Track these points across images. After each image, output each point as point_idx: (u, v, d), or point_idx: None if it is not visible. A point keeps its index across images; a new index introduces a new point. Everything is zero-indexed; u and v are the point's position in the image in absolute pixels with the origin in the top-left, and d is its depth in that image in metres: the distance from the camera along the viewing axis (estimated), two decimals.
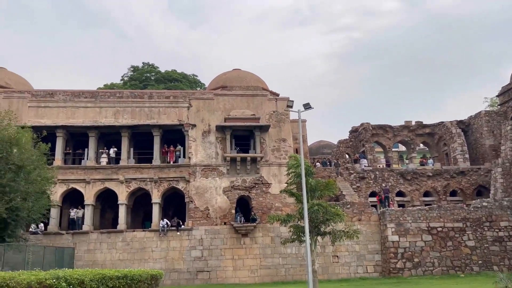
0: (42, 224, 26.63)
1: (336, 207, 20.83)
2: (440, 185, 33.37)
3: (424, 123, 38.06)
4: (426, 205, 31.29)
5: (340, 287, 21.83)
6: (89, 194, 27.98)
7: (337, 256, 27.36)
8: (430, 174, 33.49)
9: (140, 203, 30.26)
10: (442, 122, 37.78)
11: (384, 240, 27.10)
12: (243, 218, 27.93)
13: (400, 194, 33.37)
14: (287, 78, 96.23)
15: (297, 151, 32.09)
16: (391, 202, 31.50)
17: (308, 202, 18.70)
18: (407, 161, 39.71)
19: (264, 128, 29.31)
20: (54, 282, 8.60)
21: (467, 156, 35.04)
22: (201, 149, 29.09)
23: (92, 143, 29.07)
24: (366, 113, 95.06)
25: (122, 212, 28.10)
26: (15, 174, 20.28)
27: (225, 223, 27.75)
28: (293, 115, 31.42)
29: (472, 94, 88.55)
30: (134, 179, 28.39)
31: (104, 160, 28.97)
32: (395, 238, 26.62)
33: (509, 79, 36.92)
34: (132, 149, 29.67)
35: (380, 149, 41.08)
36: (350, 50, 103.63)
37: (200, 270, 26.66)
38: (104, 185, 28.26)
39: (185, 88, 45.37)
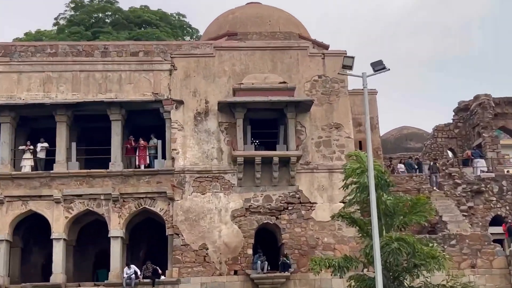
0: None
1: (431, 244, 20.83)
2: None
3: None
4: None
5: None
6: (2, 222, 27.79)
7: None
8: None
9: (88, 237, 30.26)
10: None
11: None
12: (266, 263, 27.42)
13: None
14: (342, 21, 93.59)
15: (361, 145, 32.18)
16: None
17: (381, 235, 18.92)
18: None
19: (303, 106, 28.80)
20: None
21: None
22: (193, 143, 28.87)
23: (6, 134, 28.93)
24: (483, 79, 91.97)
25: (58, 253, 27.71)
26: None
27: (235, 272, 27.47)
28: (353, 84, 31.17)
29: None
30: (79, 196, 28.21)
31: (27, 164, 28.86)
32: None
33: None
34: (74, 145, 29.32)
35: (510, 141, 40.53)
36: None
37: None
38: (27, 207, 28.03)
39: (164, 38, 45.32)
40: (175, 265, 27.37)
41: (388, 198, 20.03)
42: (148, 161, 29.55)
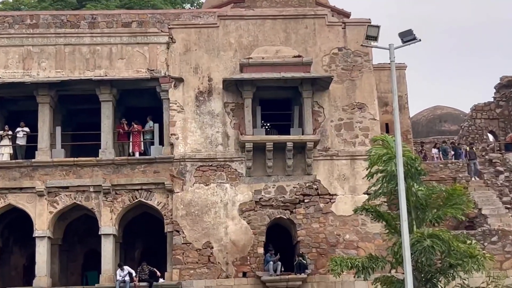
0: None
1: (469, 241, 20.13)
2: None
3: None
4: None
5: None
6: None
7: None
8: None
9: (77, 235, 30.39)
10: None
11: None
12: (280, 264, 26.73)
13: None
14: None
15: (388, 128, 31.56)
16: None
17: (411, 232, 18.59)
18: None
19: (321, 83, 28.11)
20: None
21: None
22: (195, 127, 28.33)
23: None
24: None
25: (42, 252, 27.26)
26: None
27: (244, 274, 26.97)
28: (378, 57, 31.17)
29: None
30: (65, 188, 27.70)
31: (5, 152, 28.56)
32: None
33: None
34: (59, 129, 28.71)
35: None
36: None
37: None
38: (6, 201, 27.67)
39: (160, 6, 45.36)
40: (175, 266, 26.91)
41: (420, 188, 19.49)
42: (143, 148, 29.08)
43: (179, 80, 28.27)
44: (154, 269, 26.95)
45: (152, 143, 28.54)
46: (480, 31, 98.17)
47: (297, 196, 27.37)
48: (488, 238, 27.03)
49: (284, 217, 27.35)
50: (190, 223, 27.03)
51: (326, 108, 28.33)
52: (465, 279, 19.68)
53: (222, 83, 27.89)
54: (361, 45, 26.41)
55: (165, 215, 27.42)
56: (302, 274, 26.02)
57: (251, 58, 28.14)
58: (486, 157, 33.09)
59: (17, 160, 28.00)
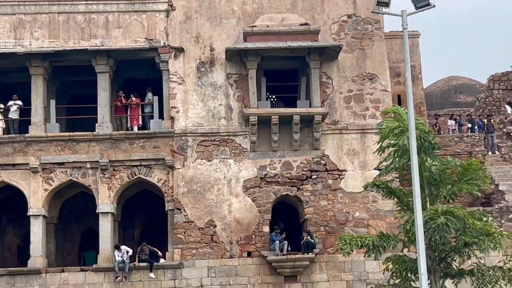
0: None
1: (485, 218, 19.59)
2: None
3: None
4: None
5: None
6: None
7: None
8: None
9: (73, 213, 30.67)
10: None
11: None
12: (286, 243, 26.78)
13: None
14: None
15: (400, 99, 31.22)
16: None
17: (424, 209, 18.20)
18: None
19: (330, 53, 27.93)
20: None
21: None
22: (196, 99, 28.27)
23: None
24: None
25: (37, 232, 27.42)
26: None
27: (249, 254, 27.07)
28: (390, 25, 31.02)
29: None
30: (61, 164, 27.79)
31: None
32: None
33: None
34: (53, 102, 28.76)
35: None
36: None
37: None
38: None
39: None
40: (176, 246, 27.01)
41: (434, 163, 19.07)
42: (142, 122, 29.13)
43: (180, 50, 28.13)
44: (155, 249, 26.91)
45: (152, 117, 28.52)
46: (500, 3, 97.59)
47: (304, 172, 27.26)
48: (506, 215, 27.00)
49: (291, 194, 27.25)
50: (192, 200, 26.99)
51: (335, 79, 28.03)
52: (481, 258, 19.42)
53: (225, 53, 27.72)
54: (372, 12, 25.53)
55: (165, 192, 27.39)
56: (310, 253, 25.92)
57: (256, 26, 27.90)
58: (504, 130, 33.01)
59: (9, 135, 27.93)
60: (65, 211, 29.70)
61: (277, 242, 26.21)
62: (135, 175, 27.52)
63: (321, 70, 27.76)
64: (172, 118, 27.94)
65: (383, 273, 21.11)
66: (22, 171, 27.34)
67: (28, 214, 27.09)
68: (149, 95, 28.92)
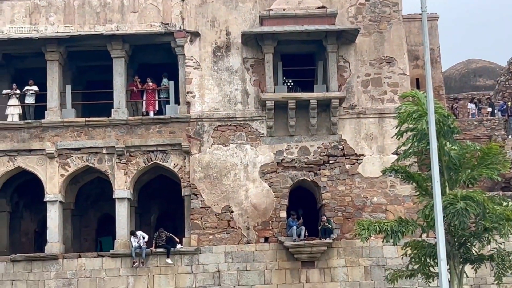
0: None
1: (505, 203, 19.52)
2: None
3: None
4: None
5: None
6: None
7: None
8: None
9: (89, 199, 30.94)
10: None
11: None
12: (303, 228, 26.75)
13: None
14: None
15: (418, 83, 31.10)
16: None
17: (444, 193, 17.86)
18: None
19: (347, 36, 27.84)
20: None
21: None
22: (212, 84, 28.27)
23: None
24: None
25: (54, 218, 27.61)
26: None
27: (266, 239, 27.14)
28: (408, 8, 31.25)
29: None
30: (77, 149, 27.99)
31: (13, 112, 28.81)
32: None
33: None
34: (69, 88, 28.79)
35: None
36: None
37: None
38: (15, 163, 28.11)
39: None
40: (193, 231, 27.14)
41: (453, 147, 18.90)
42: (158, 107, 29.23)
43: (195, 34, 28.15)
44: (171, 234, 27.16)
45: (168, 102, 28.55)
46: None
47: (322, 157, 27.19)
48: None
49: (308, 179, 27.26)
50: (208, 186, 27.10)
51: (352, 63, 27.99)
52: (501, 243, 19.17)
53: (241, 37, 27.69)
54: None
55: (182, 178, 27.47)
56: (327, 239, 25.99)
57: (272, 10, 27.82)
58: None
59: (26, 121, 28.12)
60: (81, 196, 29.96)
61: (294, 227, 26.27)
62: (151, 161, 27.63)
63: (338, 54, 27.70)
64: (188, 103, 27.95)
65: (402, 259, 21.43)
66: (38, 156, 27.49)
67: (44, 200, 27.27)
68: (165, 80, 28.96)
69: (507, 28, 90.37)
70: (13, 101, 28.53)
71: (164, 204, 30.94)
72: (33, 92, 28.73)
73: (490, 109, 34.47)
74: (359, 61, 28.08)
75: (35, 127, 27.80)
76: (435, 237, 17.37)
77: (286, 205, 27.07)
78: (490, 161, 19.19)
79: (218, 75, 28.06)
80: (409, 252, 19.88)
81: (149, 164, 27.75)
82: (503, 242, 19.23)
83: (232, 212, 26.98)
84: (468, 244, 19.08)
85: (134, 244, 26.49)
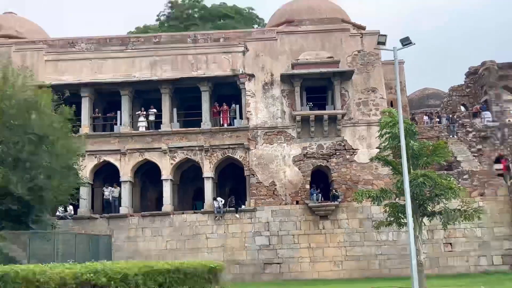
0: (71, 207, 28.30)
1: (448, 179, 20.20)
2: None
3: None
4: None
5: (457, 285, 21.22)
6: (126, 169, 29.29)
7: (451, 244, 27.25)
8: None
9: (188, 178, 31.40)
10: None
11: None
12: (320, 195, 28.19)
13: None
14: (375, 6, 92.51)
15: (392, 104, 32.18)
16: None
17: (409, 172, 18.30)
18: None
19: (346, 75, 29.04)
20: (92, 277, 9.09)
21: None
22: (262, 106, 29.48)
23: (125, 103, 30.23)
24: (489, 49, 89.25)
25: (167, 190, 29.07)
26: (36, 147, 21.31)
27: (297, 202, 28.20)
28: (385, 56, 31.03)
29: None
30: (180, 148, 29.36)
31: (142, 125, 30.04)
32: None
33: None
34: (175, 110, 30.49)
35: (511, 96, 38.74)
36: None
37: (268, 262, 27.44)
38: (143, 157, 29.43)
39: (239, 27, 45.14)
40: (252, 197, 28.45)
41: (415, 144, 19.33)
42: (229, 121, 30.22)
43: (251, 75, 29.38)
44: (238, 199, 28.75)
45: (235, 118, 29.85)
46: (455, 40, 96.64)
47: (331, 151, 28.49)
48: (461, 176, 27.31)
49: (323, 164, 28.52)
50: (260, 169, 28.46)
51: (350, 91, 29.08)
52: (446, 204, 19.41)
53: (280, 77, 29.01)
54: (374, 49, 27.97)
55: (244, 164, 28.80)
56: (335, 202, 27.52)
57: (299, 59, 29.23)
58: (460, 121, 32.30)
59: (149, 130, 29.73)
60: (183, 176, 31.14)
61: (315, 194, 27.75)
62: (225, 154, 28.97)
63: (341, 86, 28.82)
64: (247, 119, 29.13)
65: (383, 214, 21.34)
66: (157, 152, 29.00)
67: (161, 179, 28.90)
68: (233, 105, 30.19)
69: (449, 66, 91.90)
70: (142, 118, 29.99)
71: (233, 181, 31.48)
72: (153, 113, 30.35)
73: (437, 119, 33.98)
74: (354, 90, 29.12)
75: (155, 134, 29.39)
76: (404, 200, 18.13)
77: (309, 180, 28.23)
78: (438, 152, 19.66)
79: (266, 101, 29.23)
80: (387, 209, 19.97)
81: (224, 156, 29.01)
82: (447, 203, 19.37)
83: (275, 185, 28.19)
84: (425, 205, 19.28)
85: (216, 205, 27.83)
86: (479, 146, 31.62)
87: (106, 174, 30.40)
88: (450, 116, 34.19)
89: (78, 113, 27.65)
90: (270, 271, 27.27)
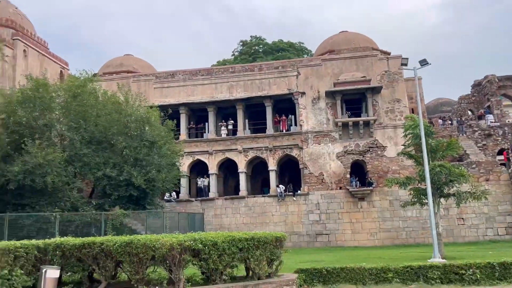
0: (174, 193, 28.89)
1: (460, 168, 19.54)
2: None
3: None
4: None
5: (469, 250, 20.64)
6: (212, 164, 29.75)
7: (463, 219, 26.39)
8: None
9: (257, 171, 31.45)
10: None
11: None
12: (358, 182, 27.83)
13: None
14: (398, 34, 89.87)
15: (413, 111, 31.31)
16: None
17: (429, 163, 17.87)
18: None
19: (376, 90, 28.48)
20: (192, 244, 9.31)
21: None
22: (311, 116, 29.16)
23: (211, 117, 30.69)
24: (489, 65, 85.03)
25: (242, 179, 29.40)
26: (149, 150, 22.15)
27: (340, 188, 27.91)
28: (406, 74, 29.86)
29: None
30: (251, 148, 29.58)
31: (223, 133, 30.55)
32: None
33: None
34: (247, 121, 30.76)
35: (509, 102, 37.99)
36: None
37: (319, 233, 27.27)
38: (224, 156, 29.81)
39: (292, 57, 45.11)
40: (305, 184, 28.36)
41: (432, 141, 19.06)
42: (287, 128, 30.15)
43: (303, 93, 29.34)
44: (295, 186, 28.80)
45: (291, 125, 29.88)
46: (464, 57, 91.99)
47: (366, 148, 28.05)
48: (470, 166, 26.49)
49: (359, 159, 28.12)
50: (311, 163, 28.26)
51: (379, 102, 28.55)
52: (458, 187, 19.10)
53: (325, 93, 28.83)
54: (398, 69, 27.31)
55: (299, 160, 28.70)
56: (370, 187, 27.18)
57: (339, 79, 28.99)
58: (468, 123, 31.28)
59: (229, 136, 30.23)
60: (253, 169, 31.29)
61: (354, 182, 27.57)
62: (285, 152, 29.01)
63: (372, 98, 28.38)
64: (300, 125, 28.98)
65: (408, 196, 20.99)
66: (234, 152, 29.46)
67: (238, 171, 29.37)
68: (289, 116, 29.62)
69: (458, 77, 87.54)
70: (223, 128, 30.55)
71: (290, 172, 30.93)
72: (231, 123, 30.78)
73: (450, 122, 32.95)
74: (383, 101, 28.54)
75: (233, 139, 29.86)
76: (425, 185, 18.00)
77: (349, 171, 27.94)
78: (451, 147, 19.27)
79: (314, 111, 28.98)
80: (412, 192, 19.52)
81: (283, 154, 29.07)
82: (459, 187, 19.03)
83: (323, 175, 28.03)
84: (442, 188, 18.89)
85: (278, 191, 28.02)
86: (484, 142, 30.42)
87: (199, 168, 30.80)
88: (460, 119, 33.35)
89: (177, 125, 28.28)
90: (321, 240, 27.14)
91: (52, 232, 16.82)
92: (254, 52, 51.77)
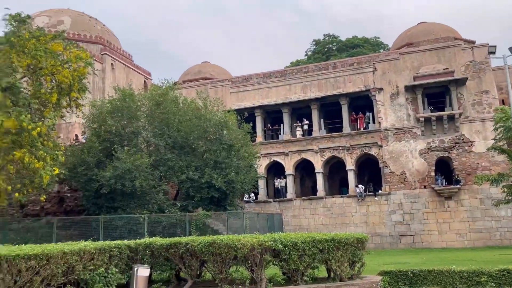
0: (253, 194, 29.43)
1: None
2: None
3: None
4: None
5: None
6: (289, 165, 29.93)
7: None
8: None
9: (334, 170, 31.17)
10: None
11: None
12: (444, 180, 26.85)
13: None
14: (483, 20, 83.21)
15: (503, 102, 29.66)
16: None
17: None
18: None
19: (461, 82, 27.16)
20: (272, 244, 9.42)
21: None
22: (390, 112, 28.46)
23: (286, 118, 30.93)
24: None
25: (319, 180, 29.36)
26: (228, 152, 22.61)
27: (424, 187, 26.98)
28: (495, 62, 29.31)
29: None
30: (327, 148, 29.44)
31: (298, 133, 30.55)
32: None
33: None
34: (322, 120, 30.58)
35: None
36: None
37: (402, 234, 26.63)
38: (300, 156, 29.89)
39: (367, 53, 44.18)
40: (386, 184, 27.79)
41: None
42: (364, 126, 29.69)
43: (380, 89, 28.64)
44: (375, 185, 28.24)
45: (369, 123, 29.24)
46: None
47: (451, 144, 26.88)
48: None
49: (445, 156, 26.99)
50: (392, 162, 27.59)
51: (465, 94, 27.21)
52: None
53: (404, 88, 27.98)
54: (485, 58, 25.78)
55: (378, 158, 28.11)
56: (457, 185, 26.06)
57: (419, 72, 27.99)
58: None
59: (304, 137, 30.19)
60: (330, 169, 30.87)
61: (439, 180, 26.59)
62: (363, 151, 28.46)
63: (457, 90, 27.16)
64: (379, 123, 28.38)
65: (501, 194, 20.20)
66: (310, 152, 29.41)
67: (315, 172, 29.01)
68: (367, 113, 29.43)
69: None
70: (298, 128, 30.44)
71: (369, 171, 30.37)
72: (306, 124, 30.62)
73: None
74: (468, 93, 27.14)
75: (308, 139, 29.74)
76: None
77: (434, 169, 26.88)
78: None
79: (393, 108, 28.20)
80: (505, 190, 18.41)
81: (362, 153, 28.54)
82: None
83: (405, 174, 27.22)
84: None
85: (358, 191, 27.70)
86: None
87: (276, 169, 31.11)
88: None
89: (253, 127, 28.60)
90: (405, 241, 26.48)
91: (142, 233, 17.72)
92: (327, 51, 51.61)
